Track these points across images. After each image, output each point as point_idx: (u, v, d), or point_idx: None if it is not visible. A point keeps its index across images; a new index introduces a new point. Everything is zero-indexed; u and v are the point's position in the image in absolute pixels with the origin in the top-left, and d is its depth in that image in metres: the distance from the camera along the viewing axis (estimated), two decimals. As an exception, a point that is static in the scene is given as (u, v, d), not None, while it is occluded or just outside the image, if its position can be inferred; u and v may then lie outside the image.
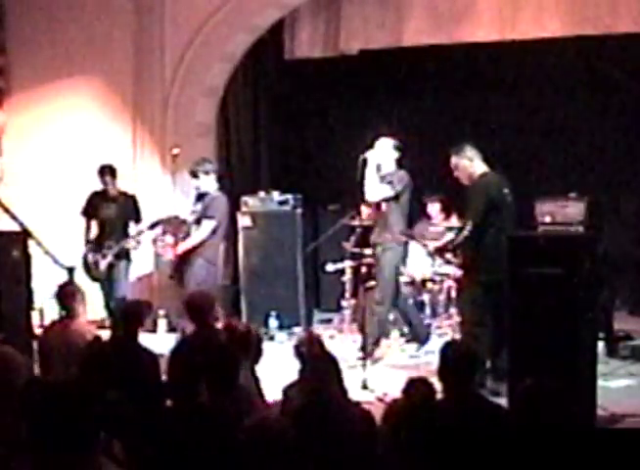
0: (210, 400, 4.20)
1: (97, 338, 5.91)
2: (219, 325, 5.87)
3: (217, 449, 3.80)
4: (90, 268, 8.31)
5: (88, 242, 8.44)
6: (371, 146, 7.58)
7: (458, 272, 7.70)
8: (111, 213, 8.36)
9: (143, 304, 6.24)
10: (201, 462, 3.85)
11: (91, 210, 8.48)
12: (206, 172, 7.71)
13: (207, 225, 7.60)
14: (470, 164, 6.75)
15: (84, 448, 2.89)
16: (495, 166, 6.94)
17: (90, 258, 8.31)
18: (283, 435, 3.26)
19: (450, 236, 7.45)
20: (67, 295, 6.24)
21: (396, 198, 7.54)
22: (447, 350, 4.39)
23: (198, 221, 7.66)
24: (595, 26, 8.86)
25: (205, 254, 7.63)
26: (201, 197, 7.77)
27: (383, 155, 7.58)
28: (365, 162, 7.44)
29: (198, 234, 7.61)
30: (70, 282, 6.67)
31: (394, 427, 3.58)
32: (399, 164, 7.65)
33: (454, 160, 6.79)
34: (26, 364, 4.81)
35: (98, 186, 8.55)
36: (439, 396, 4.54)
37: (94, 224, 8.49)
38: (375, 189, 7.51)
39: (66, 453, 2.85)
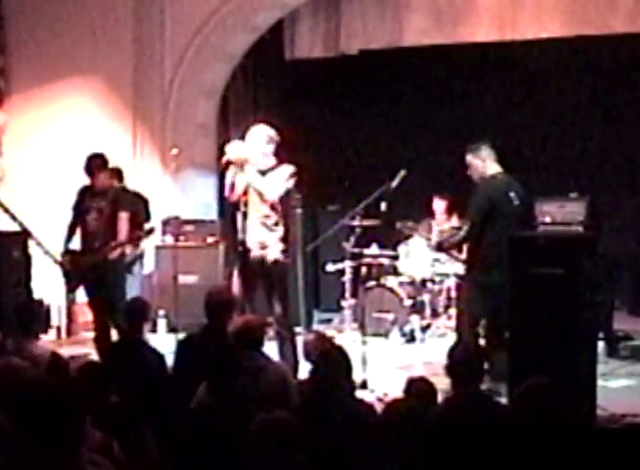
0: (211, 401, 4.20)
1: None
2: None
3: (218, 450, 3.80)
4: None
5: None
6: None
7: (460, 270, 7.71)
8: None
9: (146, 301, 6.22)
10: (204, 463, 3.85)
11: None
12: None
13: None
14: (482, 164, 6.73)
15: (69, 447, 2.89)
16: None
17: None
18: (290, 432, 3.26)
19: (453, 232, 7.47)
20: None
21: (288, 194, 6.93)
22: (455, 350, 4.40)
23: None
24: (595, 26, 8.87)
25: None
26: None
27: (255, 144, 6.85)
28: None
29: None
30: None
31: (396, 426, 3.58)
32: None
33: (469, 158, 6.76)
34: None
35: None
36: (440, 396, 4.56)
37: None
38: (274, 185, 6.64)
39: (50, 452, 2.86)
